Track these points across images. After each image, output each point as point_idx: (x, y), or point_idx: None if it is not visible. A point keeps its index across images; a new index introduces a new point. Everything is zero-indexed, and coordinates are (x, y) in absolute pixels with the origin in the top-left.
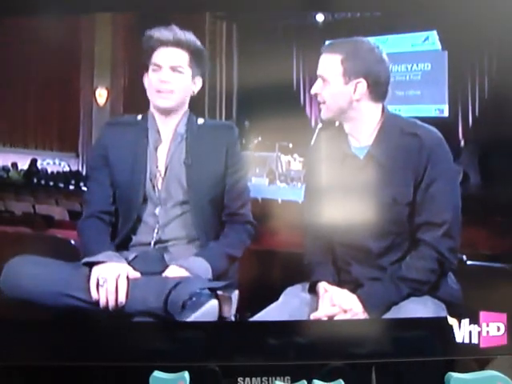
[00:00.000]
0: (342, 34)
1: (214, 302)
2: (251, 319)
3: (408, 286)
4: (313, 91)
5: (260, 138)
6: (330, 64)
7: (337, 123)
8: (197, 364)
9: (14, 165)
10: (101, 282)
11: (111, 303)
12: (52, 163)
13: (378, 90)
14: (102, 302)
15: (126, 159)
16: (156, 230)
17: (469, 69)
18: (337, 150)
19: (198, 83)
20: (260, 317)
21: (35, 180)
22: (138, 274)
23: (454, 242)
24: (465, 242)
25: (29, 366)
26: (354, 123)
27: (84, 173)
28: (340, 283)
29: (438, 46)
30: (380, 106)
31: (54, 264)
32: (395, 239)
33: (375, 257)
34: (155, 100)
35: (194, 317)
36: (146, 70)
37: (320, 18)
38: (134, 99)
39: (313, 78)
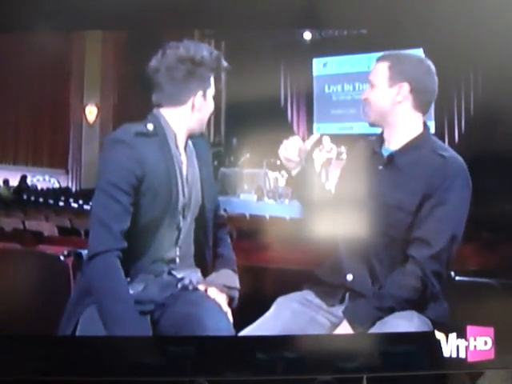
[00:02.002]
0: (330, 51)
1: None
2: (240, 334)
3: (390, 302)
4: (363, 97)
5: (248, 155)
6: (379, 70)
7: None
8: (186, 379)
9: (6, 181)
10: None
11: None
12: (42, 179)
13: (420, 97)
14: None
15: (160, 183)
16: (178, 248)
17: (455, 86)
18: (370, 149)
19: None
20: (253, 329)
21: (25, 196)
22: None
23: (441, 267)
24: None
25: (15, 381)
26: (392, 128)
27: (74, 189)
28: (331, 286)
29: None
30: (421, 117)
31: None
32: (391, 242)
33: (371, 254)
34: (205, 125)
35: None
36: (203, 90)
37: (307, 36)
38: (124, 116)
39: (300, 95)
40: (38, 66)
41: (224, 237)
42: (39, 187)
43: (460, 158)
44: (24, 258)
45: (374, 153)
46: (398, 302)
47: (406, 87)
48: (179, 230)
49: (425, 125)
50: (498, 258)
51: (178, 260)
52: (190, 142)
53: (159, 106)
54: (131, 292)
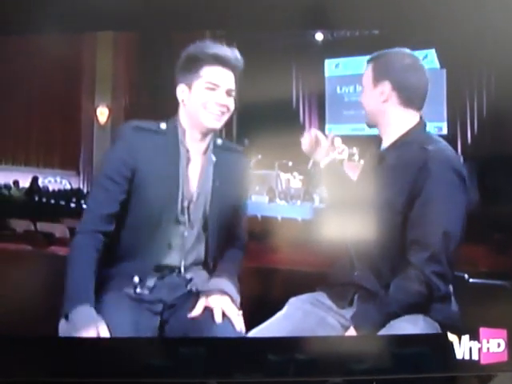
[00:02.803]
0: (342, 52)
1: None
2: (251, 335)
3: (396, 307)
4: (359, 100)
5: (260, 157)
6: (366, 73)
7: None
8: (196, 380)
9: (16, 183)
10: None
11: None
12: (53, 181)
13: (405, 93)
14: None
15: (159, 177)
16: (184, 255)
17: (467, 87)
18: (370, 150)
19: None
20: (264, 328)
21: (36, 198)
22: (106, 333)
23: (442, 268)
24: (465, 259)
25: (22, 383)
26: (384, 127)
27: (85, 190)
28: (342, 285)
29: (437, 64)
30: (412, 112)
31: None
32: (389, 243)
33: (375, 254)
34: (204, 119)
35: None
36: (187, 82)
37: (319, 37)
38: (136, 117)
39: (312, 96)
40: (48, 67)
41: (231, 256)
42: (50, 189)
43: (447, 150)
44: (35, 259)
45: (371, 153)
46: (405, 306)
47: (387, 85)
48: (182, 230)
49: (420, 120)
50: (511, 260)
51: (183, 262)
52: (210, 147)
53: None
54: (139, 291)
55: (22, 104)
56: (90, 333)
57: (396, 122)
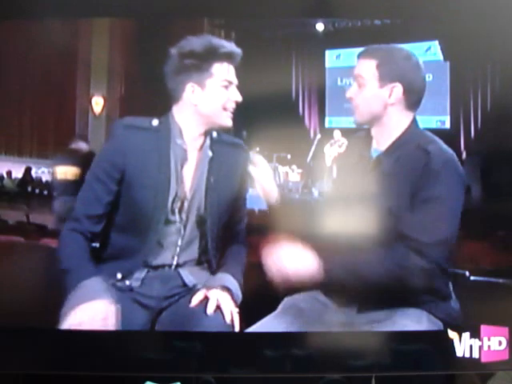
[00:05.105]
0: (343, 43)
1: None
2: (248, 330)
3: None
4: (348, 95)
5: (258, 149)
6: (365, 68)
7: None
8: (192, 375)
9: (9, 173)
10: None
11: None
12: (47, 172)
13: (413, 97)
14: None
15: (148, 176)
16: (176, 253)
17: (471, 80)
18: (358, 149)
19: None
20: (257, 328)
21: (29, 189)
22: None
23: (442, 262)
24: (467, 257)
25: (19, 375)
26: (382, 127)
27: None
28: (342, 286)
29: (440, 56)
30: (411, 116)
31: None
32: (392, 247)
33: (371, 259)
34: (221, 119)
35: None
36: (197, 81)
37: (320, 27)
38: (131, 108)
39: (312, 88)
40: (43, 55)
41: (235, 252)
42: (44, 179)
43: (447, 151)
44: (27, 251)
45: (361, 157)
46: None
47: (398, 88)
48: (174, 230)
49: (413, 119)
50: None
51: (175, 261)
52: (207, 142)
53: (171, 103)
54: (127, 283)
55: (14, 92)
56: (99, 305)
57: (395, 124)
